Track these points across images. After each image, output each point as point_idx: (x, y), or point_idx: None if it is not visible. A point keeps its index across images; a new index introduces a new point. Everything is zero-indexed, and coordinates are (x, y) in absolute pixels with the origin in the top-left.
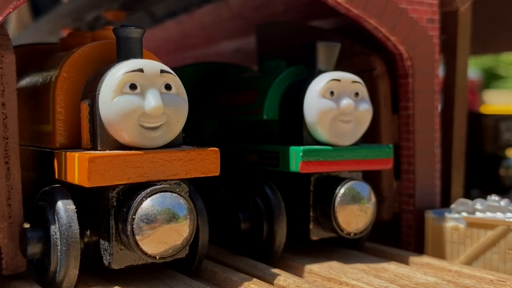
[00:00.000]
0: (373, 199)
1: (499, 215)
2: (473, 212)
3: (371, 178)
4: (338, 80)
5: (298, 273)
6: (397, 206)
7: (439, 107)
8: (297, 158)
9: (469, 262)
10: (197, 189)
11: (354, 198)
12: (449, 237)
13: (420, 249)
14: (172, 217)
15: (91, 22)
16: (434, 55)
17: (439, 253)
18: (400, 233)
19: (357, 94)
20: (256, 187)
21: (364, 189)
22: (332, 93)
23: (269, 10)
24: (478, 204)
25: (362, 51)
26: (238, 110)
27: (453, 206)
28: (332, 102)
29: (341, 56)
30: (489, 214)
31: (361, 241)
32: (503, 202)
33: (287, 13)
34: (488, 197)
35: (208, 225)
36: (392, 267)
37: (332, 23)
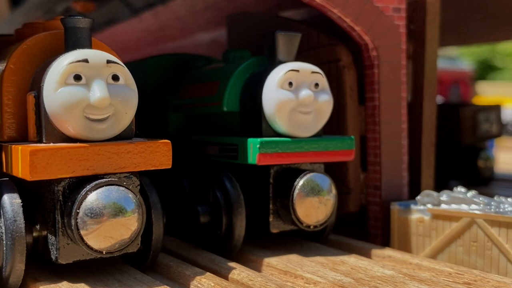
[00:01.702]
0: (334, 191)
1: (463, 207)
2: (438, 204)
3: (338, 170)
4: (297, 71)
5: (257, 266)
6: (364, 198)
7: (408, 98)
8: (254, 150)
9: (435, 255)
10: (161, 183)
11: (313, 190)
12: (415, 229)
13: (387, 242)
14: (118, 211)
15: (62, 14)
16: (401, 45)
17: (405, 246)
18: (367, 225)
19: (317, 85)
20: (216, 180)
21: (324, 181)
22: (290, 83)
23: (241, 0)
24: (445, 195)
25: (328, 42)
26: (200, 102)
27: (418, 197)
28: (291, 93)
29: (308, 47)
30: (454, 206)
31: (325, 233)
32: (470, 194)
33: (259, 3)
34: (454, 188)
35: (163, 219)
36: (352, 260)
37: (302, 14)
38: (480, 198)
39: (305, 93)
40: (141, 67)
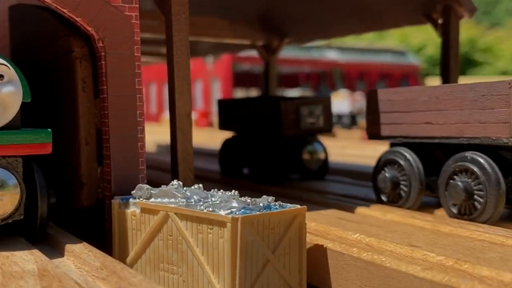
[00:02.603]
0: (19, 185)
1: (166, 200)
2: (149, 197)
3: (72, 163)
4: None
5: None
6: (101, 193)
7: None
8: None
9: (144, 249)
10: None
11: None
12: (130, 224)
13: None
14: None
15: None
16: (134, 37)
17: (123, 240)
18: (104, 220)
19: (1, 76)
20: None
21: (3, 175)
22: None
23: None
24: (159, 189)
25: (64, 33)
26: None
27: (133, 191)
28: None
29: (54, 38)
30: (159, 200)
31: (36, 230)
32: (192, 188)
33: None
34: (172, 182)
35: None
36: (20, 255)
37: None
38: (185, 191)
39: None
40: None
